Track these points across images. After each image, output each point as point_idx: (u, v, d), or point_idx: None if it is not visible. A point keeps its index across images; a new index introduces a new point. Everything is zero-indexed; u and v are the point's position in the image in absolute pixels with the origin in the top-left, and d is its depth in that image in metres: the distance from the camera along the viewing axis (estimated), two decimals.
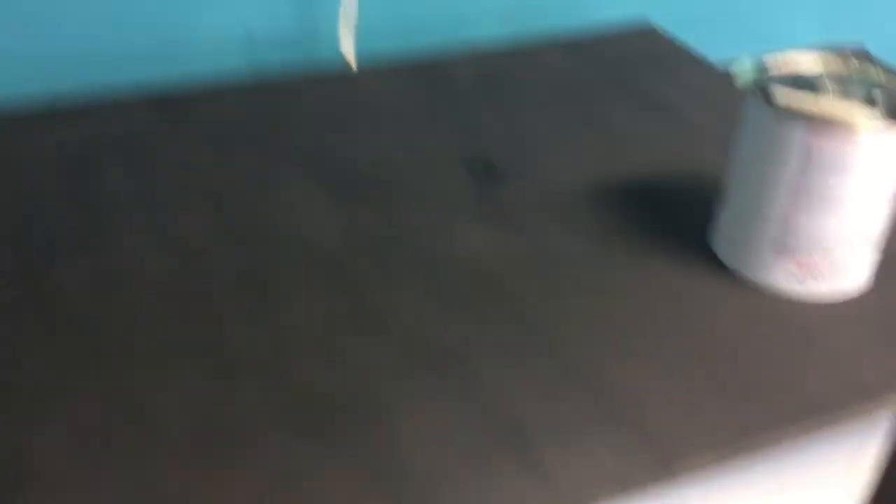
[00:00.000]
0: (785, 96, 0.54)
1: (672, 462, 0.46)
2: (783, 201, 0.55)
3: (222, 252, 0.59)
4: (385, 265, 0.59)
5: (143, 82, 0.80)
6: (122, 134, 0.72)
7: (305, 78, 0.83)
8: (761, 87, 0.55)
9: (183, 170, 0.68)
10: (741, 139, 0.58)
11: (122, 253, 0.58)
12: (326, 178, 0.69)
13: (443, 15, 0.96)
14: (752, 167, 0.57)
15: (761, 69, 0.57)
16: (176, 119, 0.75)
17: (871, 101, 0.54)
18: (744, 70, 0.55)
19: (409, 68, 0.87)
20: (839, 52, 0.52)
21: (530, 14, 1.00)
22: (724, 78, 0.85)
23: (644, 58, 0.92)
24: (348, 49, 0.88)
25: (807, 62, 0.58)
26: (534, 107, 0.81)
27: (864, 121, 0.52)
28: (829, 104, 0.53)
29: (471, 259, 0.60)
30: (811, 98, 0.54)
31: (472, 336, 0.53)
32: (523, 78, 0.86)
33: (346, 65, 0.87)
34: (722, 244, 0.61)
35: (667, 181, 0.71)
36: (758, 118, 0.55)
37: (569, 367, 0.51)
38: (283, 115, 0.77)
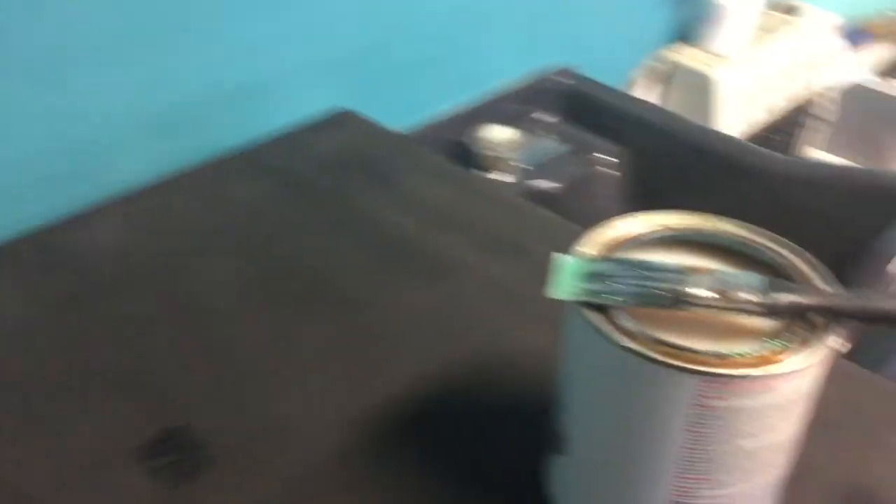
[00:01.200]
0: (644, 328, 0.34)
1: None
2: (670, 472, 0.36)
3: None
4: None
5: None
6: None
7: None
8: (601, 312, 0.35)
9: None
10: (579, 386, 0.37)
11: None
12: None
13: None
14: (614, 430, 0.37)
15: (588, 272, 0.36)
16: None
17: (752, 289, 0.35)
18: (562, 272, 0.34)
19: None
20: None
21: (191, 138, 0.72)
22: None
23: (359, 163, 0.70)
24: None
25: (635, 228, 0.39)
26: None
27: (780, 352, 0.33)
28: (708, 327, 0.34)
29: None
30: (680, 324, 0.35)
31: None
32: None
33: None
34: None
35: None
36: (608, 367, 0.35)
37: None
38: None
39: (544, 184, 0.95)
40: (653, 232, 0.39)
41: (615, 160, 1.03)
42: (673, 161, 1.02)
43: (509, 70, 1.04)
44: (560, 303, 0.37)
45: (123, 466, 0.45)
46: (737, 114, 1.15)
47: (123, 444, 0.46)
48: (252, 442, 0.47)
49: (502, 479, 0.44)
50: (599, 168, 1.02)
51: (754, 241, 0.39)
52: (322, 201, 0.66)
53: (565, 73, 1.07)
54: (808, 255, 0.38)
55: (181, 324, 0.54)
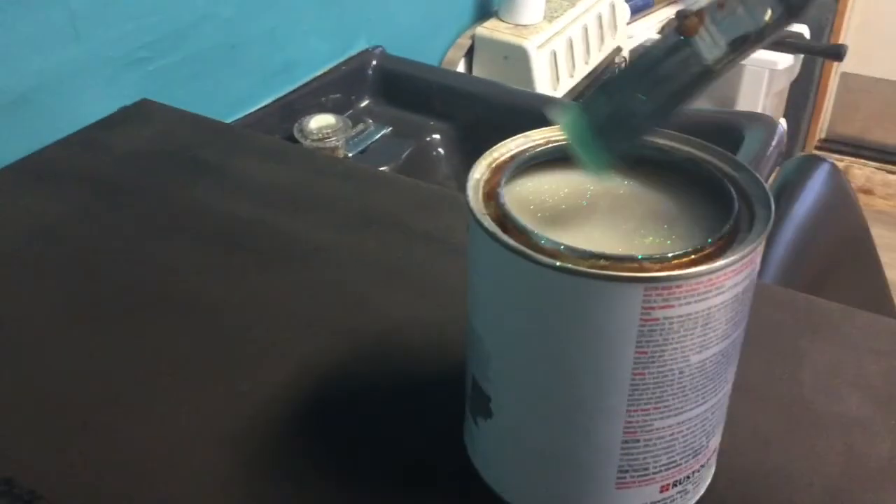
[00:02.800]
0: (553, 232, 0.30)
1: None
2: (620, 406, 0.31)
3: None
4: None
5: None
6: None
7: None
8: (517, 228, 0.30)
9: None
10: (502, 328, 0.32)
11: None
12: None
13: None
14: (542, 360, 0.32)
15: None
16: None
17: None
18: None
19: None
20: None
21: None
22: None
23: (173, 154, 0.61)
24: None
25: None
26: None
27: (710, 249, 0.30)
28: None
29: None
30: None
31: None
32: None
33: None
34: (489, 467, 0.36)
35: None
36: (537, 295, 0.30)
37: None
38: None
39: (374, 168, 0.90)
40: (546, 145, 0.35)
41: (436, 135, 1.00)
42: (492, 125, 1.00)
43: (321, 57, 0.98)
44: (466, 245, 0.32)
45: None
46: (548, 79, 1.15)
47: None
48: (99, 483, 0.38)
49: (419, 456, 0.39)
50: (424, 144, 0.99)
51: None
52: (138, 201, 0.57)
53: (377, 54, 1.03)
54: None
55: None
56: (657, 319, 0.29)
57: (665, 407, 0.32)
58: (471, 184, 0.32)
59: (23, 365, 0.44)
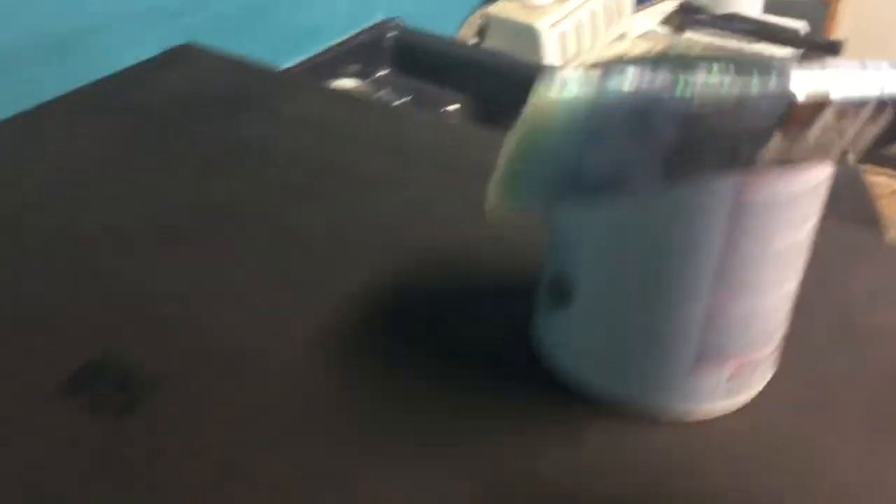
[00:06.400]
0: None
1: None
2: (705, 288, 0.34)
3: None
4: None
5: None
6: None
7: None
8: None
9: None
10: (592, 215, 0.34)
11: None
12: None
13: None
14: (633, 245, 0.34)
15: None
16: None
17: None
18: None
19: None
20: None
21: None
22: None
23: (224, 94, 0.63)
24: None
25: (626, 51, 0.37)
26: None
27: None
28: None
29: None
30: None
31: None
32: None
33: None
34: (563, 359, 0.38)
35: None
36: None
37: None
38: None
39: None
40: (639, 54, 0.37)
41: (454, 106, 1.02)
42: (509, 98, 1.03)
43: (343, 23, 1.00)
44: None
45: (55, 405, 0.36)
46: (557, 60, 1.18)
47: (49, 381, 0.37)
48: (195, 369, 0.39)
49: (487, 352, 0.41)
50: (441, 115, 1.01)
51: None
52: (191, 135, 0.58)
53: (394, 25, 1.05)
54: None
55: (81, 262, 0.45)
56: (748, 204, 0.32)
57: (745, 289, 0.34)
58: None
59: (120, 266, 0.45)
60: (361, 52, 1.01)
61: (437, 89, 1.02)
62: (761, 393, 0.39)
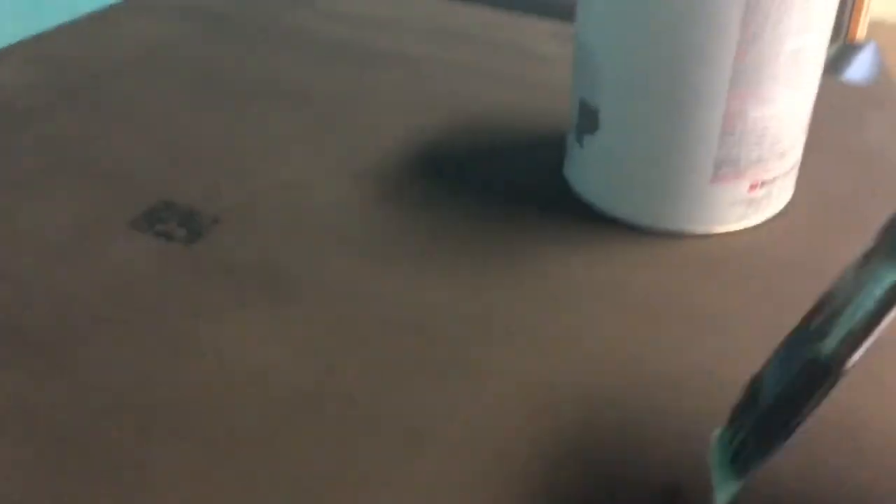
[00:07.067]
0: None
1: None
2: (721, 93, 0.36)
3: None
4: None
5: None
6: None
7: None
8: None
9: None
10: (615, 5, 0.37)
11: None
12: None
13: None
14: (652, 55, 0.36)
15: None
16: None
17: None
18: None
19: None
20: None
21: None
22: None
23: None
24: None
25: None
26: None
27: None
28: None
29: None
30: None
31: None
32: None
33: None
34: (593, 185, 0.41)
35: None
36: None
37: None
38: None
39: None
40: None
41: None
42: None
43: None
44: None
45: (126, 235, 0.40)
46: None
47: (122, 216, 0.42)
48: (254, 201, 0.43)
49: (520, 189, 0.44)
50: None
51: None
52: (239, 25, 0.62)
53: None
54: None
55: (144, 123, 0.49)
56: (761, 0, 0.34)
57: (760, 95, 0.36)
58: None
59: (176, 131, 0.49)
60: None
61: None
62: (780, 214, 0.41)
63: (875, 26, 2.39)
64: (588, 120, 0.40)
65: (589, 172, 0.42)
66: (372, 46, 0.59)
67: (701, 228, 0.40)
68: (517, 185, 0.44)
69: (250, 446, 0.30)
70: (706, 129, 0.37)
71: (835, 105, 0.51)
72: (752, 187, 0.39)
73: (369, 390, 0.32)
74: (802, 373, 0.22)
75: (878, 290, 0.21)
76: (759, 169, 0.38)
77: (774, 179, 0.39)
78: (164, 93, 0.53)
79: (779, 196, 0.41)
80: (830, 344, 0.22)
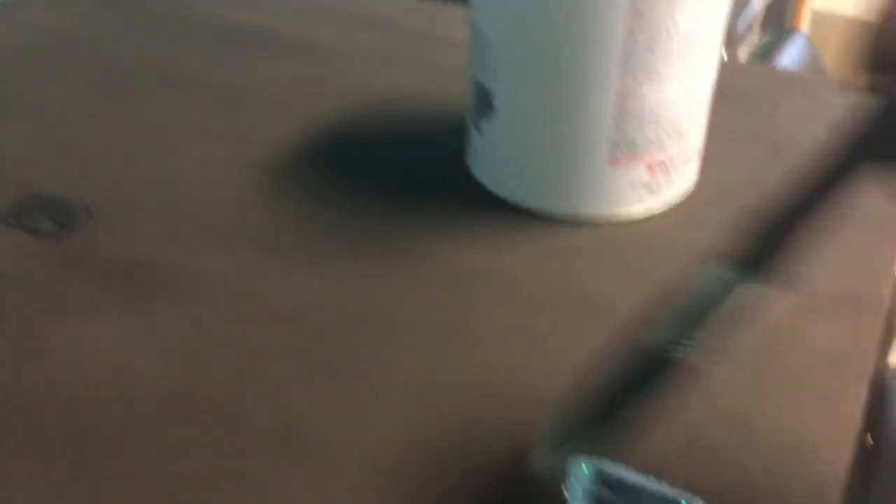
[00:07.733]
0: None
1: None
2: (612, 74, 0.35)
3: None
4: None
5: None
6: None
7: None
8: None
9: None
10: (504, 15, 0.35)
11: None
12: None
13: None
14: (542, 35, 0.35)
15: None
16: None
17: None
18: None
19: None
20: None
21: None
22: None
23: None
24: None
25: None
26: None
27: None
28: None
29: None
30: None
31: None
32: None
33: None
34: (493, 171, 0.39)
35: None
36: None
37: None
38: None
39: None
40: None
41: None
42: None
43: None
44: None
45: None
46: None
47: None
48: (132, 193, 0.41)
49: (421, 173, 0.42)
50: None
51: None
52: (138, 10, 0.59)
53: None
54: None
55: (25, 113, 0.47)
56: None
57: (654, 74, 0.35)
58: None
59: (58, 121, 0.46)
60: None
61: None
62: (683, 201, 0.40)
63: (822, 17, 2.42)
64: (484, 103, 0.38)
65: (488, 158, 0.40)
66: (278, 33, 0.57)
67: (602, 212, 0.38)
68: (420, 173, 0.42)
69: (98, 454, 0.28)
70: (600, 110, 0.35)
71: (750, 91, 0.50)
72: (651, 169, 0.38)
73: (240, 391, 0.30)
74: (637, 359, 0.24)
75: (715, 287, 0.23)
76: (656, 149, 0.37)
77: (674, 163, 0.38)
78: (52, 82, 0.50)
79: (680, 182, 0.39)
80: (664, 333, 0.23)
